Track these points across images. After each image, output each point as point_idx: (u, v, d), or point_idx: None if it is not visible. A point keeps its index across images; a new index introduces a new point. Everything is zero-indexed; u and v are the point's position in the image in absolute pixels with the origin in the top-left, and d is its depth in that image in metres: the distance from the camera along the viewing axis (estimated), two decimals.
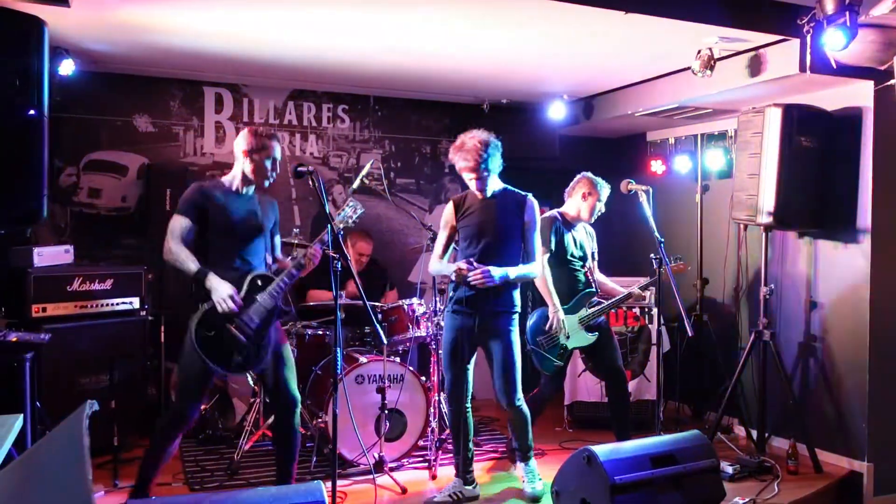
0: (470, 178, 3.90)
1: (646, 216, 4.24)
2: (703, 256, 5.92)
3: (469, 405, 4.08)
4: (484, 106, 6.29)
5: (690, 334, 4.15)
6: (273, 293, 3.56)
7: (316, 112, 6.17)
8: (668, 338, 5.79)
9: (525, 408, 4.04)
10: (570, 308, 4.51)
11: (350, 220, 3.72)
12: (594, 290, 4.61)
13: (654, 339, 5.48)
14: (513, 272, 3.89)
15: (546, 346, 4.46)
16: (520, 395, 3.98)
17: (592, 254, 4.74)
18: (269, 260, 3.73)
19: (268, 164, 3.57)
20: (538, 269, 4.04)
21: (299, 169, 3.34)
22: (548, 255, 4.47)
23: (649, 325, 5.66)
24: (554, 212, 4.65)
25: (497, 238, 3.93)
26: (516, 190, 4.04)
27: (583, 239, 4.66)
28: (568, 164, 6.76)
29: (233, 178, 3.65)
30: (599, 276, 4.79)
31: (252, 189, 3.68)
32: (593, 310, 4.55)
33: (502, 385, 3.94)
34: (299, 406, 3.64)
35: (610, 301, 4.60)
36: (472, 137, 3.86)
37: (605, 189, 4.61)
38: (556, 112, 6.05)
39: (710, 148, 5.88)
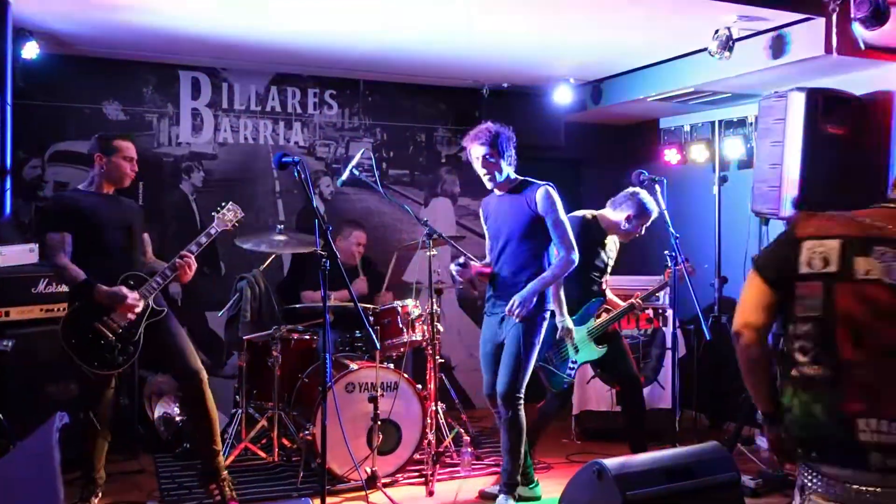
0: (482, 176, 4.04)
1: (660, 210, 4.33)
2: (722, 253, 5.92)
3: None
4: (484, 90, 6.30)
5: (708, 338, 4.18)
6: (144, 293, 3.89)
7: (301, 98, 6.17)
8: (683, 341, 5.80)
9: (522, 416, 4.03)
10: (577, 319, 4.52)
11: (230, 224, 4.07)
12: (602, 298, 4.63)
13: (668, 343, 5.50)
14: (537, 284, 3.98)
15: (555, 360, 4.48)
16: (519, 394, 4.00)
17: (612, 268, 4.80)
18: (143, 259, 4.10)
19: (125, 164, 3.96)
20: (574, 256, 4.05)
21: (283, 159, 3.36)
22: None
23: (664, 328, 5.68)
24: (587, 213, 4.63)
25: (512, 239, 4.01)
26: (534, 181, 4.10)
27: (610, 251, 4.66)
28: (574, 152, 6.82)
29: (91, 181, 4.00)
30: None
31: (112, 190, 4.01)
32: (600, 321, 4.57)
33: (501, 376, 4.01)
34: (204, 376, 3.97)
35: (613, 314, 4.62)
36: (479, 130, 3.99)
37: (654, 214, 4.57)
38: (562, 97, 6.08)
39: (729, 136, 5.91)
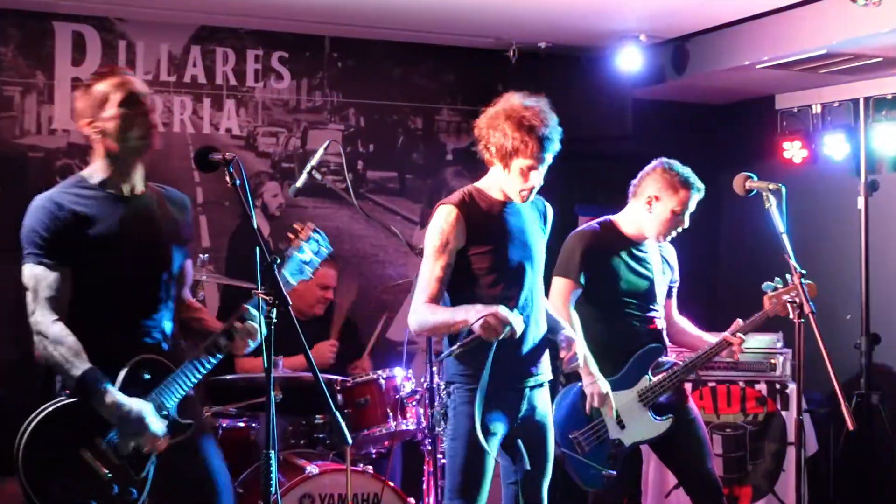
0: (531, 174, 3.93)
1: (775, 231, 4.21)
2: (871, 297, 5.91)
3: None
4: (510, 53, 6.30)
5: (851, 427, 4.10)
6: (169, 393, 3.55)
7: (236, 63, 6.17)
8: (814, 432, 5.75)
9: None
10: (622, 378, 4.57)
11: (307, 270, 3.80)
12: (661, 345, 4.69)
13: (790, 436, 5.48)
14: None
15: (586, 445, 4.51)
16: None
17: (670, 288, 4.85)
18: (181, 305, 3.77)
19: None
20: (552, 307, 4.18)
21: (210, 156, 3.38)
22: (577, 292, 4.59)
23: (782, 412, 5.66)
24: (593, 224, 4.75)
25: (537, 274, 4.03)
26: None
27: (649, 265, 4.74)
28: (646, 146, 6.59)
29: (93, 171, 3.62)
30: (679, 320, 4.90)
31: (141, 185, 3.65)
32: (661, 376, 4.61)
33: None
34: None
35: (693, 358, 4.65)
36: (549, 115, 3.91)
37: (693, 191, 4.65)
38: (629, 62, 6.03)
39: (881, 121, 5.91)
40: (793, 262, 4.18)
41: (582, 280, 4.57)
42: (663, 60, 6.33)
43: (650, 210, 4.62)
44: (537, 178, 3.90)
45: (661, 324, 4.72)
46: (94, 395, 3.40)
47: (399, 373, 4.99)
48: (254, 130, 6.26)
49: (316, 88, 6.38)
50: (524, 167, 3.84)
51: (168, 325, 3.67)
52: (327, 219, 6.23)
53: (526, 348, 3.94)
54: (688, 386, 4.90)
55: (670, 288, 4.83)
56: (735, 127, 6.94)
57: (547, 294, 4.29)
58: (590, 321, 4.56)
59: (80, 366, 3.40)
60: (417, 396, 4.92)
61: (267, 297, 3.27)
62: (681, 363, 4.63)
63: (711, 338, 4.74)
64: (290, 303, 3.27)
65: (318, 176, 4.28)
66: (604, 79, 6.28)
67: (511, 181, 3.90)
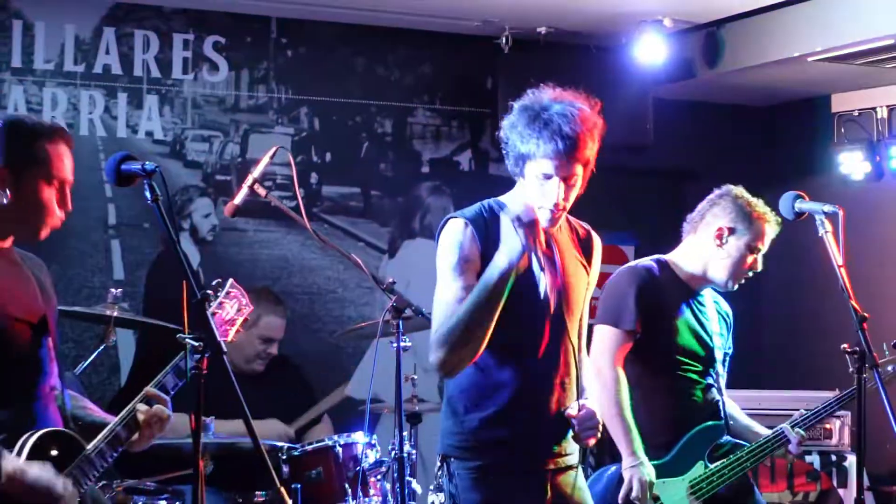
0: (548, 185, 3.81)
1: (833, 262, 4.07)
2: None
3: None
4: (502, 40, 6.33)
5: None
6: (78, 478, 3.55)
7: (160, 49, 6.20)
8: None
9: None
10: (671, 462, 4.55)
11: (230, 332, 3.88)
12: (721, 422, 4.67)
13: None
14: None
15: None
16: None
17: (725, 355, 4.82)
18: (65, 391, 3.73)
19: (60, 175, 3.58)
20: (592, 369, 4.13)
21: (125, 166, 3.37)
22: (626, 346, 4.55)
23: (839, 490, 5.67)
24: (647, 261, 4.74)
25: (574, 319, 3.94)
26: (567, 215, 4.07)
27: (709, 321, 4.73)
28: (673, 157, 6.76)
29: None
30: (726, 402, 4.80)
31: (10, 240, 3.64)
32: (719, 465, 4.56)
33: None
34: None
35: (745, 453, 4.60)
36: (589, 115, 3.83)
37: (773, 222, 4.65)
38: (649, 53, 6.10)
39: None
40: (853, 302, 4.04)
41: (636, 330, 4.50)
42: (692, 51, 6.36)
43: (721, 245, 4.58)
44: (560, 191, 3.77)
45: (720, 396, 4.68)
46: None
47: (360, 438, 4.95)
48: (181, 134, 6.31)
49: (259, 82, 6.41)
50: (539, 173, 3.73)
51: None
52: (273, 245, 6.26)
53: (546, 419, 3.85)
54: None
55: (724, 355, 4.77)
56: (781, 135, 6.95)
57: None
58: (635, 385, 4.49)
59: None
60: (384, 469, 4.89)
61: (197, 345, 3.25)
62: (746, 445, 4.57)
63: (761, 428, 4.70)
64: (226, 350, 3.27)
65: (261, 191, 4.25)
66: (619, 73, 6.29)
67: (532, 195, 3.78)
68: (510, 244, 3.56)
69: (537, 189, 3.75)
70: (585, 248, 4.01)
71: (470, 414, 3.82)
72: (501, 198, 3.90)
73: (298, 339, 6.01)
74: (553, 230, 3.88)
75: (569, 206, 3.79)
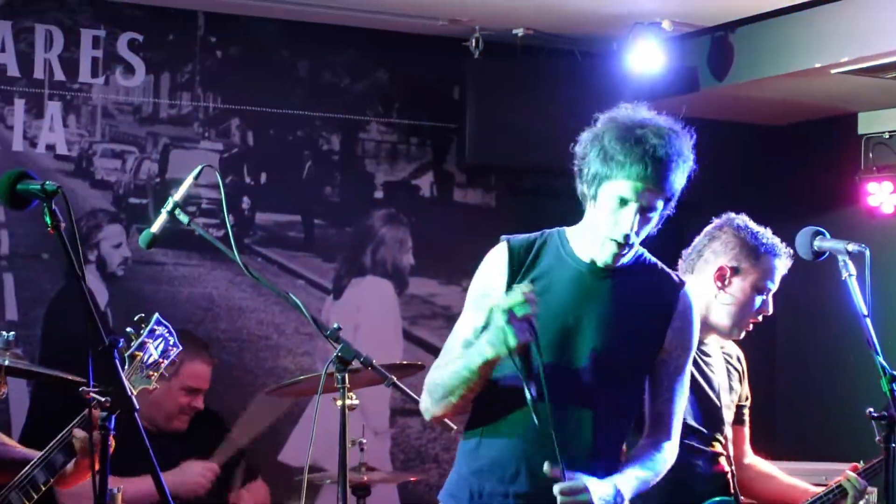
0: (623, 211, 3.75)
1: (857, 310, 4.15)
2: None
3: None
4: (471, 43, 6.13)
5: None
6: None
7: (65, 47, 6.19)
8: None
9: None
10: None
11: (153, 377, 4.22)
12: (731, 498, 4.63)
13: None
14: (641, 482, 3.91)
15: None
16: None
17: (739, 409, 4.84)
18: None
19: None
20: (670, 458, 4.01)
21: (21, 186, 3.42)
22: None
23: None
24: None
25: (619, 371, 3.84)
26: (656, 260, 4.04)
27: (715, 375, 4.68)
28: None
29: None
30: (756, 459, 4.93)
31: None
32: None
33: None
34: None
35: None
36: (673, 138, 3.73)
37: (781, 257, 4.58)
38: (645, 61, 6.12)
39: None
40: (880, 358, 4.09)
41: None
42: (696, 59, 6.25)
43: (723, 287, 4.55)
44: (635, 220, 3.67)
45: (729, 466, 4.61)
46: None
47: None
48: (89, 149, 6.26)
49: (183, 88, 6.40)
50: (616, 196, 3.66)
51: None
52: (195, 282, 6.28)
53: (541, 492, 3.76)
54: None
55: (740, 409, 4.80)
56: (799, 159, 6.92)
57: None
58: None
59: None
60: None
61: (103, 400, 3.34)
62: None
63: (806, 485, 4.83)
64: (137, 407, 3.35)
65: (183, 218, 4.19)
66: (608, 84, 6.18)
67: (600, 223, 3.74)
68: (498, 337, 3.55)
69: (608, 216, 3.71)
70: (664, 302, 3.92)
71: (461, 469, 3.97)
72: (568, 229, 3.93)
73: (224, 394, 6.00)
74: (621, 271, 3.87)
75: (637, 242, 3.76)
